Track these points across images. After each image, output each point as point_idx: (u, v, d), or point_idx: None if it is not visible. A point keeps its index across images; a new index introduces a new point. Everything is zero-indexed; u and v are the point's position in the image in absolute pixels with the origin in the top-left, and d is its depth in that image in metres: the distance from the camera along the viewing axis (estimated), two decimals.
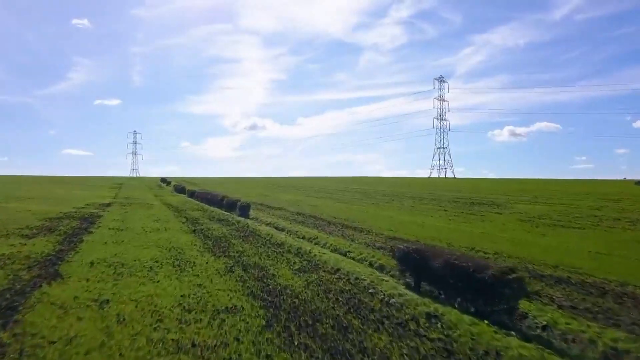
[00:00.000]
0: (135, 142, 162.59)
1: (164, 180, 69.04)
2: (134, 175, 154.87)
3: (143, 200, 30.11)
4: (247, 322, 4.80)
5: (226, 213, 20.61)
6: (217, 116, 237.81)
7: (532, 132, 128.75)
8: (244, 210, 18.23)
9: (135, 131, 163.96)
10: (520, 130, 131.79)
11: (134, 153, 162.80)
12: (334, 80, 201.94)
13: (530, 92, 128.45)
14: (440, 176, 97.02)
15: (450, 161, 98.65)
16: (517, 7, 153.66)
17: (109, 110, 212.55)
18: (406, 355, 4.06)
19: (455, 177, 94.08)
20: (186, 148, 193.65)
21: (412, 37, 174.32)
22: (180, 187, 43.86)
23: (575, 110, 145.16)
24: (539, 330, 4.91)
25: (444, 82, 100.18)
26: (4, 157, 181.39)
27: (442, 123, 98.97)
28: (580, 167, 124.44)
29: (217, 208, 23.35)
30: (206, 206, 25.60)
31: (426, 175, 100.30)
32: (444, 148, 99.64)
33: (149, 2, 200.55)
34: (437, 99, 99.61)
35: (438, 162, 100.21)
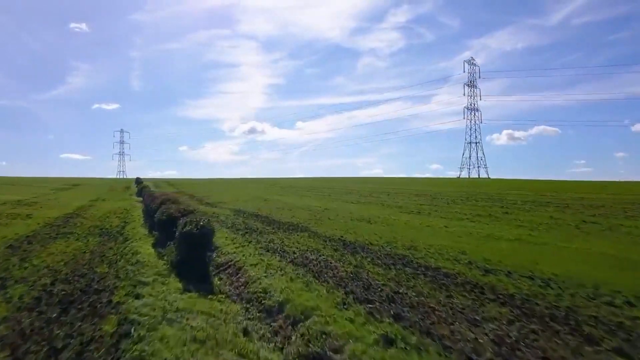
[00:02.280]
0: (122, 142, 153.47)
1: (138, 180, 59.08)
2: (121, 177, 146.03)
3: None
4: None
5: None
6: (215, 120, 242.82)
7: (531, 136, 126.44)
8: (199, 240, 7.56)
9: (122, 130, 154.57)
10: (518, 134, 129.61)
11: (121, 153, 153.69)
12: (333, 84, 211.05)
13: (528, 96, 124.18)
14: (471, 176, 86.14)
15: (483, 159, 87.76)
16: (514, 11, 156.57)
17: (108, 114, 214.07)
18: None
19: (489, 178, 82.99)
20: (185, 152, 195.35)
21: (409, 41, 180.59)
22: (140, 188, 33.78)
23: (574, 114, 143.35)
24: None
25: (474, 65, 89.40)
26: (3, 162, 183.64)
27: (473, 114, 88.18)
28: (579, 171, 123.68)
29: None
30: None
31: (454, 176, 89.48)
32: (476, 143, 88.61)
33: (148, 7, 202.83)
34: (467, 85, 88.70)
35: (469, 159, 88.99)
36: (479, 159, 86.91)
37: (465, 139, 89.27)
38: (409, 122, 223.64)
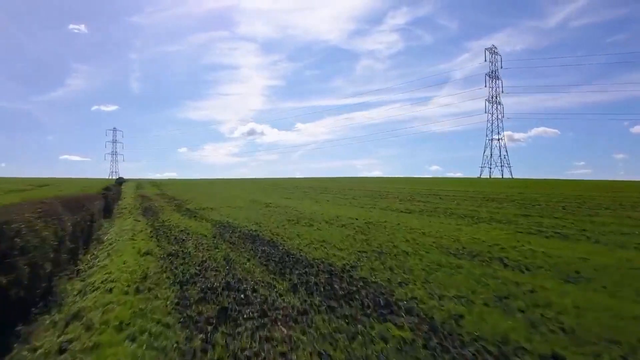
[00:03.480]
0: (115, 141, 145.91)
1: (120, 180, 52.21)
2: (113, 178, 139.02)
3: None
4: None
5: None
6: (214, 122, 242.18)
7: (531, 137, 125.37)
8: None
9: (114, 128, 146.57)
10: (518, 135, 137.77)
11: (114, 153, 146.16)
12: (332, 86, 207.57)
13: (527, 98, 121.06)
14: (493, 176, 79.29)
15: (507, 157, 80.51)
16: (513, 13, 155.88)
17: (107, 116, 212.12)
18: None
19: (513, 178, 76.08)
20: (184, 154, 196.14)
21: (408, 43, 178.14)
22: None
23: (573, 115, 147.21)
24: None
25: (496, 54, 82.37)
26: (2, 163, 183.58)
27: (495, 107, 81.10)
28: (579, 172, 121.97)
29: None
30: None
31: (474, 176, 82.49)
32: (498, 139, 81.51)
33: (147, 9, 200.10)
34: (489, 76, 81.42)
35: (490, 157, 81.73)
36: (502, 157, 79.69)
37: (486, 135, 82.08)
38: (408, 123, 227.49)
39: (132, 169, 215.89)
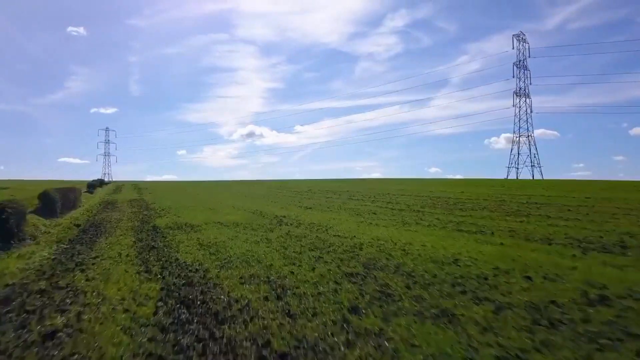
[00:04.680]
0: (107, 142, 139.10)
1: (100, 182, 45.38)
2: (107, 180, 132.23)
3: None
4: None
5: None
6: (213, 124, 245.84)
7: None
8: None
9: (107, 128, 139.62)
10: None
11: (106, 154, 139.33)
12: (331, 88, 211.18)
13: (526, 99, 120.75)
14: (521, 177, 72.13)
15: (536, 155, 73.20)
16: (511, 16, 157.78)
17: (106, 118, 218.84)
18: None
19: (543, 179, 68.96)
20: (183, 156, 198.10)
21: (407, 45, 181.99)
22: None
23: (573, 117, 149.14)
24: None
25: (524, 41, 75.11)
26: (0, 166, 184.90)
27: (522, 101, 73.87)
28: (578, 174, 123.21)
29: None
30: None
31: (501, 177, 75.38)
32: (527, 136, 74.18)
33: (146, 12, 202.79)
34: (516, 66, 74.30)
35: (517, 156, 74.48)
36: (532, 156, 72.41)
37: (514, 132, 74.84)
38: (408, 125, 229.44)
39: (132, 172, 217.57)
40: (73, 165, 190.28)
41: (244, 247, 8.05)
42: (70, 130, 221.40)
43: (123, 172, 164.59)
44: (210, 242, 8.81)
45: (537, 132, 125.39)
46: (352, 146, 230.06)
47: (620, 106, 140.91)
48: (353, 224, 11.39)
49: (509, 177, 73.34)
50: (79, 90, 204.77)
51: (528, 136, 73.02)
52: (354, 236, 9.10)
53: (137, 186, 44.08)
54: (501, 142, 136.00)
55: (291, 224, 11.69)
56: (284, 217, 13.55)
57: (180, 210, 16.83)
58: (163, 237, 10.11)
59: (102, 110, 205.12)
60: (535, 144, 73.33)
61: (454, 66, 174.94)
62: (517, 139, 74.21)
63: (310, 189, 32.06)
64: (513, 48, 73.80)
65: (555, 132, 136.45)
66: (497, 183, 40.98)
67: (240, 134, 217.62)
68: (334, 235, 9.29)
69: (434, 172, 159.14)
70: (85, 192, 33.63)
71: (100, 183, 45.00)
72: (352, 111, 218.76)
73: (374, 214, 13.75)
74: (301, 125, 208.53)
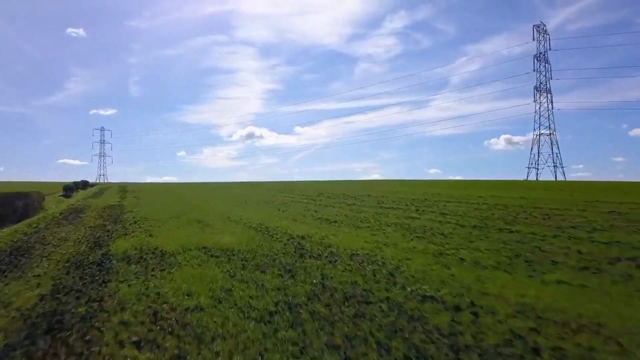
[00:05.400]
0: (103, 142, 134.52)
1: (84, 184, 41.04)
2: (102, 182, 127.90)
3: None
4: None
5: None
6: (213, 126, 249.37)
7: (530, 140, 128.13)
8: None
9: (102, 128, 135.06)
10: (517, 138, 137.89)
11: (101, 155, 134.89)
12: (330, 89, 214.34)
13: (526, 101, 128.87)
14: (541, 178, 67.61)
15: (559, 155, 68.44)
16: (510, 17, 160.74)
17: (105, 120, 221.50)
18: None
19: (566, 180, 64.35)
20: (183, 157, 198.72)
21: (406, 47, 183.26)
22: None
23: (572, 118, 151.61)
24: None
25: (545, 32, 70.41)
26: (0, 167, 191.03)
27: (544, 96, 69.17)
28: (578, 175, 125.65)
29: None
30: None
31: (520, 178, 70.81)
32: (549, 134, 69.48)
33: (146, 14, 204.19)
34: (537, 59, 69.70)
35: (538, 155, 69.83)
36: (554, 155, 67.75)
37: (534, 130, 70.22)
38: (407, 127, 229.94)
39: (131, 173, 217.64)
40: (73, 167, 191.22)
41: (242, 336, 3.71)
42: (69, 131, 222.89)
43: (123, 173, 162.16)
44: (176, 308, 4.49)
45: (537, 134, 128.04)
46: (352, 147, 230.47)
47: (620, 107, 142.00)
48: (430, 258, 6.98)
49: (528, 178, 68.90)
50: (78, 92, 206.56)
51: (550, 134, 68.45)
52: (472, 302, 4.72)
53: (124, 189, 39.64)
54: (501, 143, 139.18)
55: (320, 255, 7.35)
56: (303, 238, 9.22)
57: (158, 225, 12.52)
58: (102, 283, 5.82)
59: (101, 112, 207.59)
60: (557, 143, 68.76)
61: (453, 67, 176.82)
62: (538, 137, 69.73)
63: (321, 192, 27.63)
64: (534, 39, 69.44)
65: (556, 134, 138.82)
66: (527, 185, 36.56)
67: (239, 135, 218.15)
68: (428, 296, 4.88)
69: (433, 173, 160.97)
70: (60, 195, 29.36)
71: (84, 185, 40.70)
72: (351, 112, 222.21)
73: (443, 235, 9.34)
74: (301, 126, 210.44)
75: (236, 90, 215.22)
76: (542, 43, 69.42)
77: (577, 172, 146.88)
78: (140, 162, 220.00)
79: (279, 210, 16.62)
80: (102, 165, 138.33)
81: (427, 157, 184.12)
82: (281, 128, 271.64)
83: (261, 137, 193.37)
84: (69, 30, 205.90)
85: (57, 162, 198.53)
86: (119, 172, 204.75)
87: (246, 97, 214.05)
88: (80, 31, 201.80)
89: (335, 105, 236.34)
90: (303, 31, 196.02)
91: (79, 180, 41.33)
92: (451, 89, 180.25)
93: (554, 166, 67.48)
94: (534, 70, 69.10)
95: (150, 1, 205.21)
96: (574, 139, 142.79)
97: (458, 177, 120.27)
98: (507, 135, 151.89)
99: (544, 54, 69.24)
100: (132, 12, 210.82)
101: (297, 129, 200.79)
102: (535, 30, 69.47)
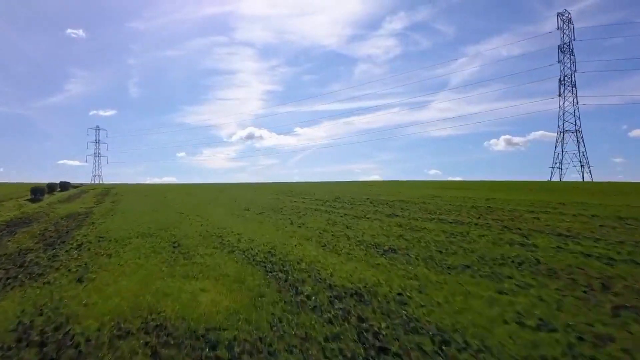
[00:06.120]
0: (98, 142, 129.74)
1: (62, 185, 36.61)
2: (96, 183, 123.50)
3: None
4: None
5: None
6: (213, 127, 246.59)
7: (529, 141, 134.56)
8: None
9: (97, 127, 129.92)
10: (517, 139, 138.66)
11: (96, 155, 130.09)
12: (330, 90, 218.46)
13: (525, 102, 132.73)
14: (565, 179, 63.00)
15: (585, 154, 63.66)
16: (509, 19, 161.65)
17: (104, 121, 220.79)
18: None
19: (592, 181, 59.70)
20: (183, 158, 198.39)
21: (406, 48, 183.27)
22: None
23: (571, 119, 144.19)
24: None
25: (569, 22, 65.61)
26: (0, 168, 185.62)
27: (569, 90, 64.41)
28: (578, 176, 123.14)
29: None
30: None
31: (544, 178, 66.14)
32: (575, 131, 64.64)
33: (145, 15, 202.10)
34: (561, 50, 64.86)
35: (562, 154, 65.07)
36: (581, 154, 62.91)
37: (558, 127, 65.46)
38: (406, 127, 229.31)
39: (130, 174, 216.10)
40: (72, 168, 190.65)
41: None
42: (69, 132, 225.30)
43: (123, 174, 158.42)
44: None
45: (536, 134, 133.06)
46: (351, 148, 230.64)
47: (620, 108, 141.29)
48: None
49: (552, 179, 64.24)
50: (78, 93, 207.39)
51: (576, 131, 63.67)
52: None
53: (108, 191, 35.14)
54: (501, 144, 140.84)
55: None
56: (357, 291, 4.81)
57: (114, 250, 8.16)
58: None
59: (101, 113, 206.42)
60: (583, 141, 63.99)
61: (453, 68, 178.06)
62: (562, 135, 64.97)
63: (337, 195, 23.13)
64: (558, 29, 64.77)
65: (555, 134, 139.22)
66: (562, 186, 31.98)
67: (239, 136, 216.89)
68: None
69: (433, 173, 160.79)
70: (26, 200, 24.98)
71: (63, 187, 36.30)
72: (351, 113, 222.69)
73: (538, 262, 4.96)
74: (300, 127, 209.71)
75: (236, 91, 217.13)
76: (567, 33, 64.78)
77: (577, 173, 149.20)
78: (140, 163, 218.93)
79: (291, 223, 12.19)
80: (97, 165, 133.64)
81: (427, 158, 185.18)
82: (281, 129, 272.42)
83: (261, 137, 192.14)
84: (69, 31, 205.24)
85: (56, 163, 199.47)
86: (119, 173, 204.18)
87: (246, 98, 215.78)
88: (80, 32, 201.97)
89: (335, 106, 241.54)
90: (303, 32, 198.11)
91: (59, 181, 36.98)
92: (451, 89, 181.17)
93: (581, 166, 62.65)
94: (558, 62, 64.38)
95: (150, 2, 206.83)
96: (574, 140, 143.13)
97: (457, 178, 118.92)
98: (507, 136, 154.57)
99: (569, 45, 64.57)
100: (132, 13, 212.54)
101: (297, 129, 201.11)
102: (559, 18, 64.89)
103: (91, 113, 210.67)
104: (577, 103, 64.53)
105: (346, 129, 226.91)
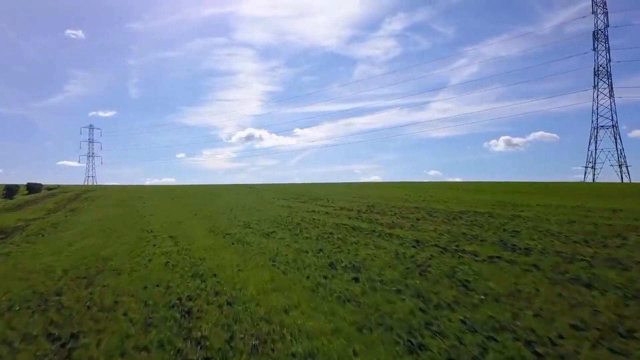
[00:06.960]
0: (91, 141, 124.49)
1: (30, 187, 31.46)
2: (90, 184, 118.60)
3: None
4: None
5: None
6: (212, 128, 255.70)
7: (529, 142, 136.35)
8: None
9: (91, 126, 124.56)
10: (517, 140, 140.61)
11: (90, 155, 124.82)
12: (330, 91, 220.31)
13: (525, 103, 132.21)
14: (599, 180, 57.52)
15: (622, 152, 58.08)
16: (508, 20, 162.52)
17: (104, 121, 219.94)
18: None
19: (631, 182, 54.22)
20: (182, 159, 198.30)
21: (405, 49, 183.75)
22: None
23: (572, 119, 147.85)
24: None
25: (603, 6, 59.87)
26: (0, 169, 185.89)
27: (604, 83, 58.85)
28: (577, 177, 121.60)
29: None
30: None
31: (577, 179, 60.62)
32: (612, 126, 58.91)
33: (145, 16, 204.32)
34: (595, 38, 59.30)
35: (595, 152, 59.49)
36: (619, 152, 57.28)
37: (592, 122, 59.82)
38: (406, 128, 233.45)
39: (131, 175, 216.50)
40: (72, 168, 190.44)
41: None
42: (69, 133, 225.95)
43: (121, 175, 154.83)
44: None
45: (536, 135, 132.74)
46: (351, 149, 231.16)
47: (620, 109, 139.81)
48: None
49: (585, 180, 58.71)
50: (77, 94, 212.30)
51: (613, 126, 58.04)
52: None
53: (79, 195, 29.71)
54: (500, 144, 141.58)
55: None
56: None
57: None
58: None
59: (100, 113, 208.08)
60: (620, 138, 58.33)
61: (452, 69, 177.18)
62: (595, 131, 59.34)
63: (370, 203, 17.85)
64: (592, 12, 59.26)
65: (555, 135, 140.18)
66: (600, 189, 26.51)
67: (239, 137, 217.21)
68: None
69: (433, 174, 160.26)
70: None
71: (31, 189, 31.11)
72: (351, 114, 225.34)
73: None
74: (300, 128, 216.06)
75: (235, 92, 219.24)
76: (601, 19, 59.29)
77: (576, 174, 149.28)
78: (140, 164, 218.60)
79: (313, 245, 6.92)
80: (91, 166, 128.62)
81: (427, 159, 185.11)
82: (280, 129, 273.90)
83: (261, 138, 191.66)
84: (68, 31, 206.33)
85: (56, 164, 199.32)
86: (116, 174, 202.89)
87: (245, 98, 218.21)
88: (80, 33, 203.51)
89: (334, 107, 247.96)
90: (302, 33, 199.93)
91: (26, 182, 31.94)
92: (450, 90, 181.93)
93: (619, 165, 57.00)
94: (593, 50, 58.83)
95: (149, 3, 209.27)
96: (574, 140, 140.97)
97: (457, 179, 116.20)
98: (507, 137, 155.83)
99: (603, 31, 59.07)
100: (132, 14, 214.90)
101: (297, 130, 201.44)
102: (593, 3, 59.39)
103: (91, 114, 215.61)
104: (614, 96, 59.06)
105: (346, 129, 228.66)
